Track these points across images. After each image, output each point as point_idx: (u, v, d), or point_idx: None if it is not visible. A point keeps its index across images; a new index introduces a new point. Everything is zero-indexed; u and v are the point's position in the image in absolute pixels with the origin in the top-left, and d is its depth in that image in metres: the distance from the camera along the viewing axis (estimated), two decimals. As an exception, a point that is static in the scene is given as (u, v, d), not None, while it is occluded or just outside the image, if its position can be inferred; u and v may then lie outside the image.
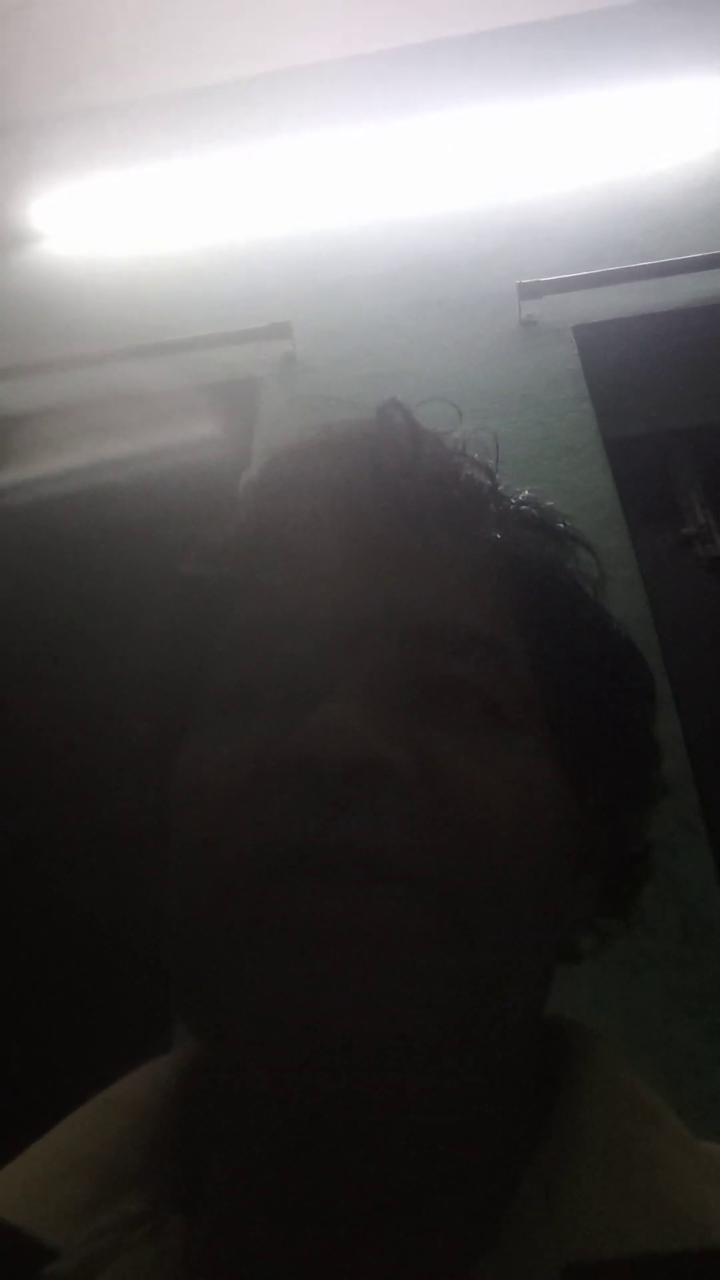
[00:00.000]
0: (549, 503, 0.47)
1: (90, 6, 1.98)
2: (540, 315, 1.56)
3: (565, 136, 1.88)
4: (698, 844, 0.95)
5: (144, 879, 0.40)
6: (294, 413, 1.50)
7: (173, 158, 2.01)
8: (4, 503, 1.61)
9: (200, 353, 1.62)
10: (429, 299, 1.65)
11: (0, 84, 2.09)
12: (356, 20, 1.99)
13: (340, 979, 0.29)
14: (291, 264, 1.82)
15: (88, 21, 2.00)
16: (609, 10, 1.96)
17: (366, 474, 0.41)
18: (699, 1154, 0.35)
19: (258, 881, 0.31)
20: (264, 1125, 0.33)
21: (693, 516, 1.46)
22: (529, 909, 0.34)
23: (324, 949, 0.30)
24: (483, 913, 0.32)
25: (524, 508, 0.45)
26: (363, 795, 0.31)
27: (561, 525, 0.45)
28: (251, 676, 0.37)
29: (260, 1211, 0.33)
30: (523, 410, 1.41)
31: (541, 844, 0.35)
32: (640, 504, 1.38)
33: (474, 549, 0.41)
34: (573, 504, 1.26)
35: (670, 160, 1.79)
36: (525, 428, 1.39)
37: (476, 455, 0.44)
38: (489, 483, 0.44)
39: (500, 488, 0.44)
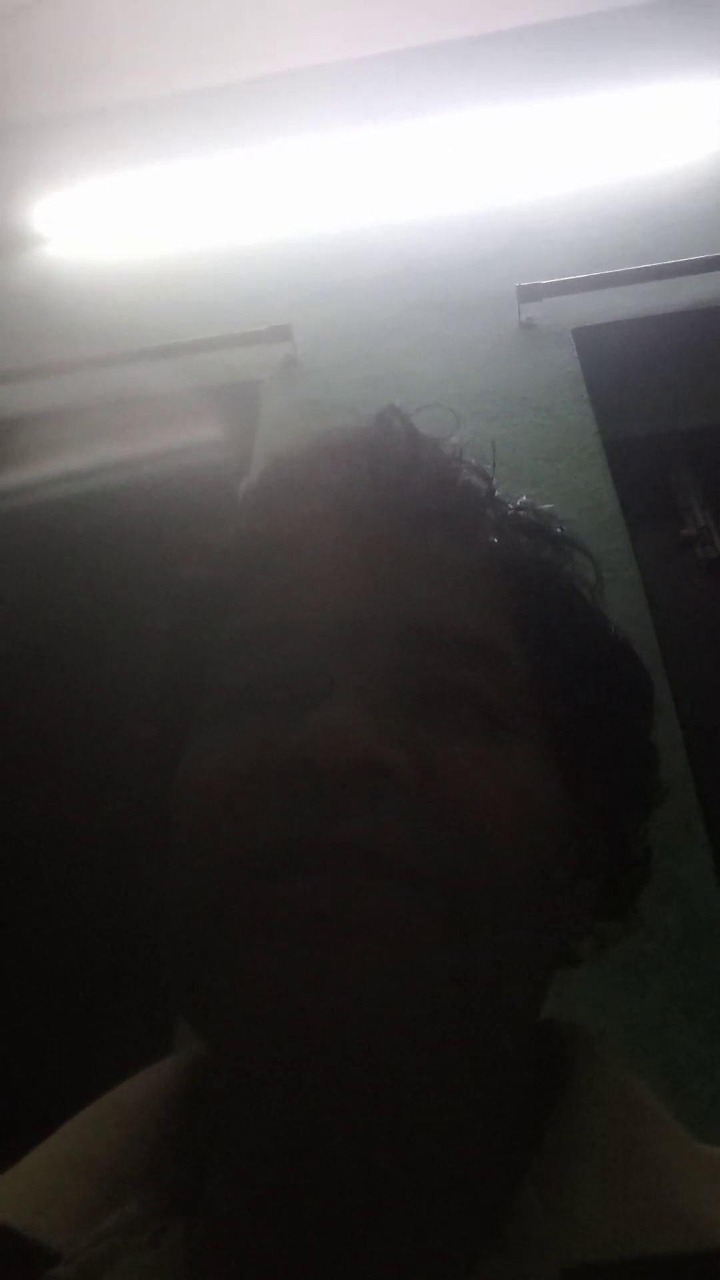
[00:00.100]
0: (547, 507, 0.47)
1: (91, 9, 1.99)
2: (540, 318, 1.56)
3: (564, 139, 1.88)
4: (697, 846, 0.95)
5: (145, 881, 0.40)
6: (294, 415, 1.50)
7: (173, 161, 2.01)
8: (5, 505, 1.61)
9: (201, 355, 1.62)
10: (429, 302, 1.65)
11: (1, 86, 2.09)
12: (357, 23, 1.99)
13: (338, 973, 0.30)
14: (292, 267, 1.82)
15: (89, 24, 2.00)
16: (608, 13, 1.96)
17: (365, 479, 0.42)
18: (698, 1156, 0.35)
19: (257, 878, 0.32)
20: (264, 1123, 0.33)
21: (692, 518, 1.46)
22: (526, 909, 0.34)
23: (322, 944, 0.30)
24: (480, 911, 0.32)
25: (521, 513, 0.45)
26: (360, 795, 0.32)
27: (559, 530, 0.46)
28: (252, 678, 0.38)
29: (260, 1213, 0.34)
30: (522, 412, 1.41)
31: (538, 845, 0.35)
32: (640, 506, 1.38)
33: (472, 553, 0.41)
34: (572, 506, 1.26)
35: (669, 163, 1.79)
36: (525, 430, 1.39)
37: (474, 461, 0.45)
38: (486, 488, 0.44)
39: (497, 493, 0.45)
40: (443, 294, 1.66)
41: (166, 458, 1.56)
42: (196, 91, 2.08)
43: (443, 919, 0.31)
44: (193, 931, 0.34)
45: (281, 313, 1.64)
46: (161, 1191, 0.36)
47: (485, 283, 1.65)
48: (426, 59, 2.00)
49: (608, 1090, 0.36)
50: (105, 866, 1.15)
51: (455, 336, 1.58)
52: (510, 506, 0.45)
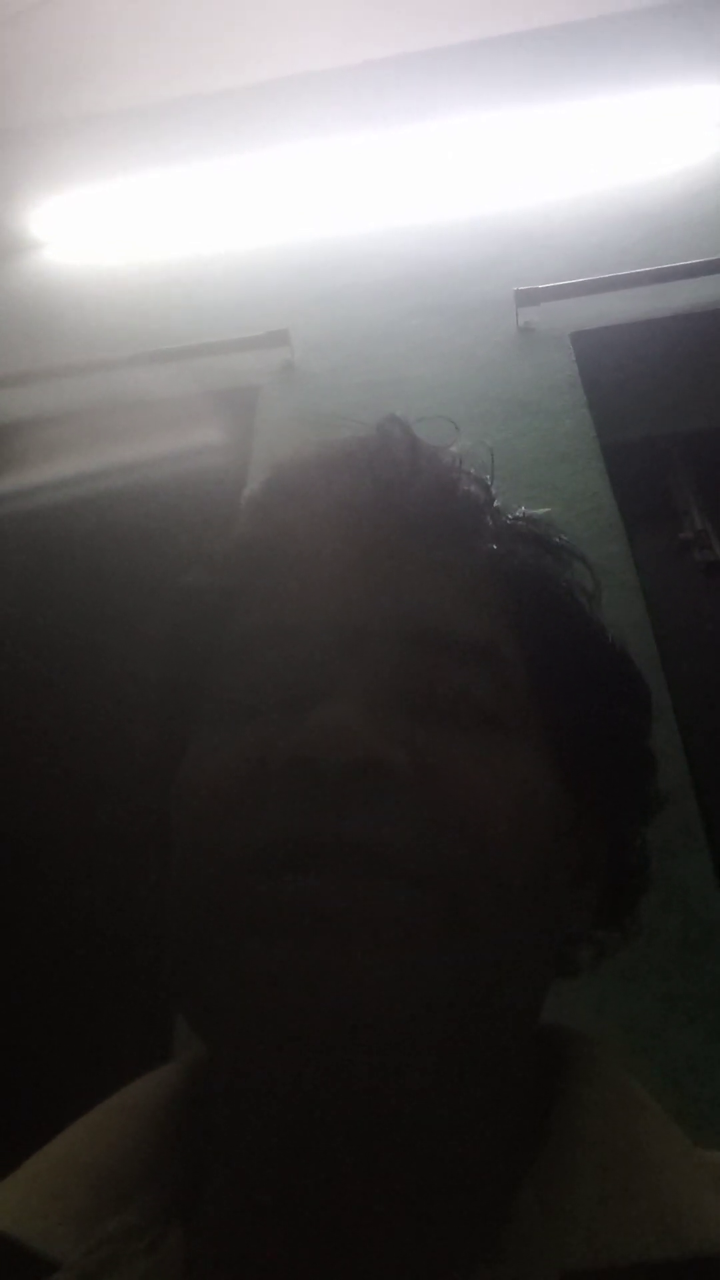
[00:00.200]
0: (545, 513, 0.47)
1: (90, 14, 1.99)
2: (538, 322, 1.56)
3: (563, 144, 1.89)
4: (697, 849, 0.95)
5: (146, 883, 0.40)
6: (292, 420, 1.50)
7: (172, 166, 2.02)
8: (3, 509, 1.61)
9: (199, 360, 1.63)
10: (427, 306, 1.66)
11: (0, 90, 2.10)
12: (355, 28, 1.99)
13: (337, 971, 0.30)
14: (290, 271, 1.82)
15: (88, 29, 2.00)
16: (606, 19, 1.96)
17: (366, 486, 0.42)
18: (698, 1160, 0.35)
19: (257, 875, 0.32)
20: (263, 1124, 0.33)
21: (690, 522, 1.46)
22: (525, 909, 0.34)
23: (322, 942, 0.30)
24: (479, 911, 0.32)
25: (521, 522, 0.46)
26: (361, 794, 0.32)
27: (558, 539, 0.46)
28: (253, 681, 0.38)
29: (258, 1218, 0.34)
30: (520, 417, 1.42)
31: (537, 846, 0.35)
32: (638, 509, 1.38)
33: (471, 559, 0.42)
34: (570, 509, 1.26)
35: (667, 167, 1.79)
36: (523, 434, 1.39)
37: (473, 470, 0.45)
38: (486, 497, 0.45)
39: (496, 502, 0.45)
40: (441, 299, 1.66)
41: (164, 462, 1.56)
42: (195, 96, 2.08)
43: (442, 918, 0.32)
44: (193, 931, 0.34)
45: (279, 318, 1.65)
46: (160, 1198, 0.36)
47: (483, 287, 1.65)
48: (424, 64, 2.01)
49: (607, 1094, 0.36)
50: (106, 870, 1.15)
51: (453, 341, 1.58)
52: (509, 516, 0.46)
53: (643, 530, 1.38)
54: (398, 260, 1.77)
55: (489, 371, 1.51)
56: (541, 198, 1.81)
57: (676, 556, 1.43)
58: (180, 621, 0.45)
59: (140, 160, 2.03)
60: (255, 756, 0.35)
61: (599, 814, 0.42)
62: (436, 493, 0.43)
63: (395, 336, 1.62)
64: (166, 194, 2.02)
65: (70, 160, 2.05)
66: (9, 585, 1.60)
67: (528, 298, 1.54)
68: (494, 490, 0.45)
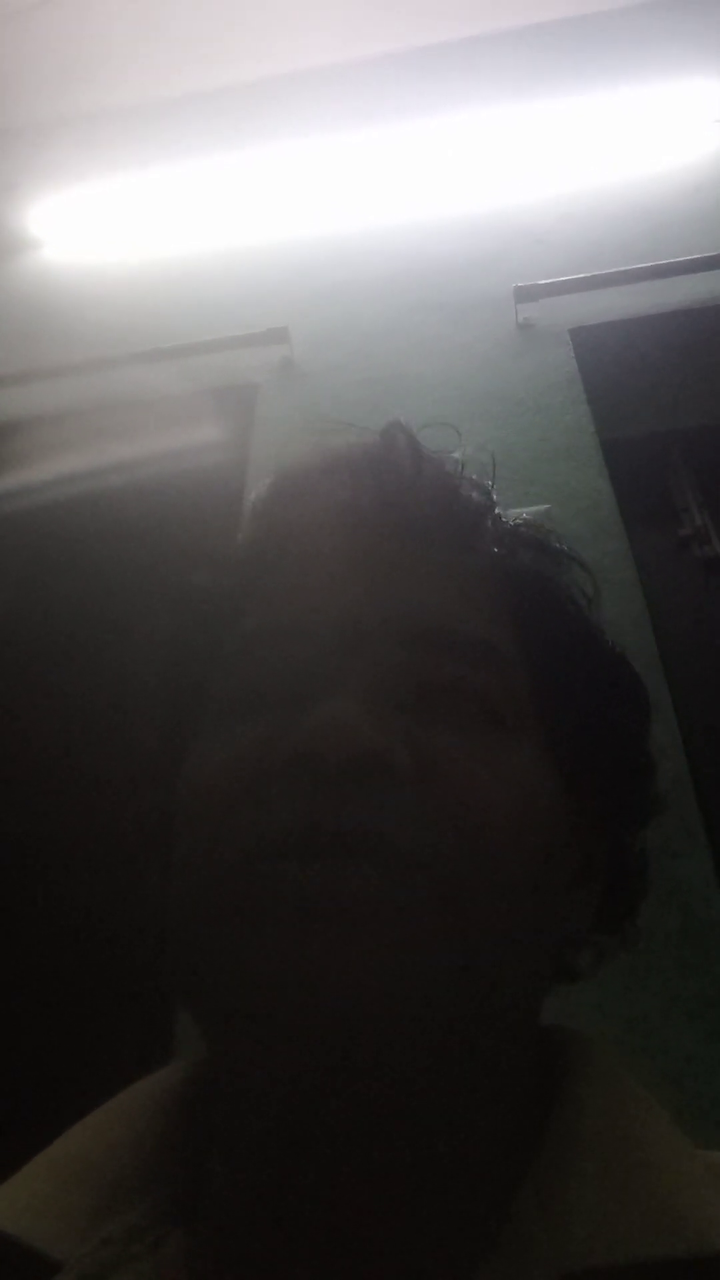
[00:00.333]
0: (545, 510, 0.48)
1: (89, 12, 1.98)
2: (537, 318, 1.56)
3: (561, 140, 1.88)
4: (697, 847, 0.95)
5: (148, 885, 0.41)
6: (292, 418, 1.50)
7: (170, 163, 2.01)
8: (2, 508, 1.61)
9: (198, 358, 1.62)
10: (426, 303, 1.65)
11: (-2, 89, 2.09)
12: (353, 25, 1.99)
13: (336, 959, 0.30)
14: (288, 269, 1.82)
15: (86, 27, 2.00)
16: (604, 14, 1.96)
17: (370, 491, 0.43)
18: (697, 1161, 0.35)
19: (260, 865, 0.32)
20: (264, 1119, 0.33)
21: (689, 518, 1.46)
22: (523, 903, 0.34)
23: (322, 930, 0.31)
24: (477, 903, 0.32)
25: (522, 527, 0.46)
26: (362, 787, 0.32)
27: (558, 544, 0.47)
28: (257, 679, 0.39)
29: (259, 1219, 0.34)
30: (520, 413, 1.42)
31: (535, 841, 0.35)
32: (637, 506, 1.38)
33: (472, 561, 0.43)
34: (570, 506, 1.26)
35: (665, 163, 1.79)
36: (522, 431, 1.39)
37: (475, 476, 0.46)
38: (487, 502, 0.45)
39: (498, 508, 0.46)
40: (440, 295, 1.66)
41: (163, 460, 1.56)
42: (193, 94, 2.08)
43: (440, 910, 0.32)
44: (197, 922, 0.34)
45: (278, 315, 1.64)
46: (161, 1199, 0.36)
47: (482, 283, 1.65)
48: (422, 60, 2.00)
49: (607, 1094, 0.37)
50: (107, 871, 1.15)
51: (453, 337, 1.58)
52: (511, 521, 0.46)
53: (642, 526, 1.37)
54: (397, 257, 1.77)
55: (488, 368, 1.51)
56: (541, 194, 1.81)
57: (676, 553, 1.43)
58: (184, 623, 0.46)
59: (139, 158, 2.03)
60: (258, 752, 0.35)
61: (598, 816, 0.42)
62: (439, 497, 0.43)
63: (394, 333, 1.61)
64: (165, 192, 2.02)
65: (69, 158, 2.05)
66: (9, 583, 1.60)
67: (527, 294, 1.54)
68: (495, 496, 0.46)
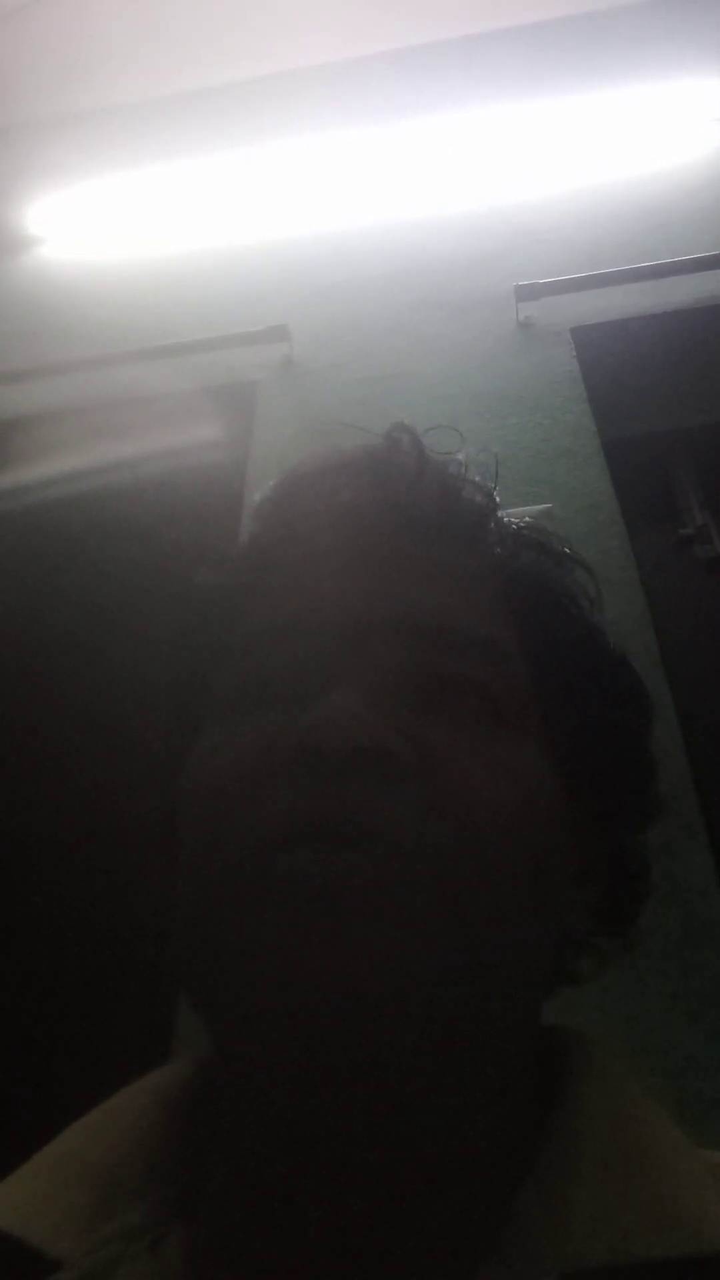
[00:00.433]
0: (546, 509, 0.48)
1: (88, 10, 1.98)
2: (538, 317, 1.56)
3: (562, 138, 1.88)
4: (698, 846, 0.95)
5: (150, 881, 0.41)
6: (292, 416, 1.50)
7: (170, 161, 2.01)
8: (2, 506, 1.61)
9: (198, 356, 1.62)
10: (427, 301, 1.65)
11: (-3, 88, 2.09)
12: (353, 23, 1.99)
13: (338, 947, 0.30)
14: (289, 267, 1.82)
15: (85, 25, 1.99)
16: (606, 12, 1.95)
17: (374, 491, 0.43)
18: (699, 1160, 0.35)
19: (262, 857, 0.33)
20: (265, 1115, 0.33)
21: (691, 517, 1.46)
22: (520, 898, 0.34)
23: (323, 918, 0.31)
24: (473, 895, 0.33)
25: (524, 529, 0.47)
26: (363, 779, 0.33)
27: (560, 546, 0.47)
28: (259, 676, 0.39)
29: (260, 1218, 0.34)
30: (520, 412, 1.41)
31: (532, 837, 0.35)
32: (638, 505, 1.38)
33: (475, 561, 0.43)
34: (571, 505, 1.26)
35: (667, 161, 1.79)
36: (523, 429, 1.39)
37: (478, 478, 0.46)
38: (490, 503, 0.46)
39: (500, 510, 0.46)
40: (440, 293, 1.66)
41: (164, 458, 1.57)
42: (193, 92, 2.08)
43: (439, 904, 0.32)
44: (199, 915, 0.35)
45: (279, 313, 1.64)
46: (162, 1197, 0.36)
47: (483, 282, 1.65)
48: (423, 58, 2.00)
49: (607, 1095, 0.37)
50: (107, 870, 1.15)
51: (453, 336, 1.58)
52: (514, 523, 0.47)
53: (643, 526, 1.37)
54: (397, 255, 1.77)
55: (489, 367, 1.51)
56: (541, 192, 1.81)
57: (677, 552, 1.43)
58: (187, 620, 0.46)
59: (138, 156, 2.03)
60: (261, 747, 0.35)
61: (598, 817, 0.42)
62: (442, 498, 0.44)
63: (395, 331, 1.61)
64: (165, 189, 2.02)
65: (68, 156, 2.05)
66: (8, 581, 1.60)
67: (528, 292, 1.54)
68: (498, 498, 0.46)
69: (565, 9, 1.97)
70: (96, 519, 1.60)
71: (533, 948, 0.36)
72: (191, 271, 1.88)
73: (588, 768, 0.41)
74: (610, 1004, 0.83)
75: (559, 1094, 0.37)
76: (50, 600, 1.57)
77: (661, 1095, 0.38)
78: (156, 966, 1.07)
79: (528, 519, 0.48)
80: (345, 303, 1.70)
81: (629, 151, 1.82)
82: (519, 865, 0.34)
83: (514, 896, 0.34)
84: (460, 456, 0.47)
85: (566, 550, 0.47)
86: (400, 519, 0.43)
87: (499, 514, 0.46)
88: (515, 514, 0.47)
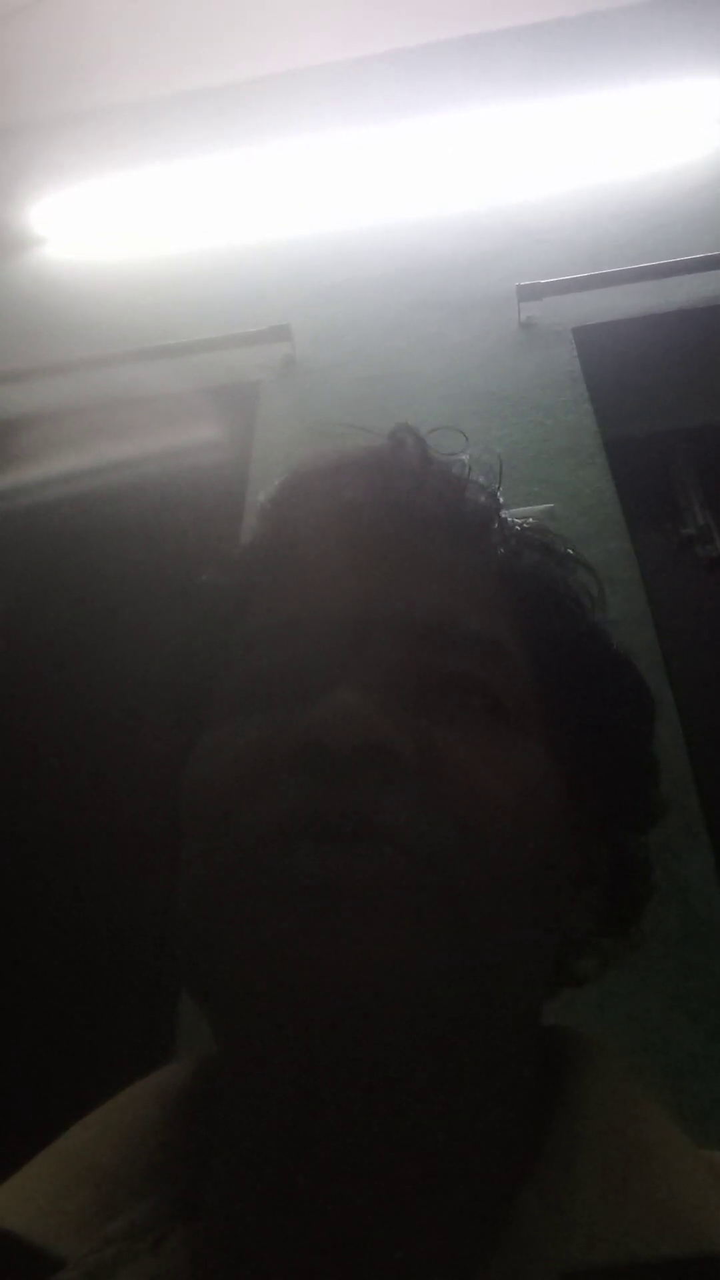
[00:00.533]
0: (548, 509, 0.48)
1: (89, 10, 1.98)
2: (540, 317, 1.56)
3: (564, 138, 1.88)
4: (699, 846, 0.95)
5: (152, 881, 0.41)
6: (294, 416, 1.50)
7: (172, 161, 2.01)
8: (4, 505, 1.61)
9: (200, 356, 1.62)
10: (428, 301, 1.65)
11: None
12: (355, 23, 1.99)
13: (341, 942, 0.30)
14: (291, 266, 1.82)
15: (87, 25, 2.00)
16: (607, 13, 1.96)
17: (377, 491, 0.43)
18: (699, 1160, 0.35)
19: (264, 854, 0.33)
20: (267, 1113, 0.33)
21: (692, 517, 1.46)
22: (521, 897, 0.34)
23: (327, 913, 0.31)
24: (474, 892, 0.33)
25: (527, 530, 0.47)
26: (367, 776, 0.33)
27: (563, 547, 0.47)
28: (262, 675, 0.39)
29: (261, 1217, 0.34)
30: (522, 412, 1.41)
31: (534, 835, 0.36)
32: (640, 505, 1.38)
33: (478, 561, 0.43)
34: (573, 505, 1.26)
35: (668, 162, 1.79)
36: (525, 429, 1.39)
37: (482, 479, 0.46)
38: (494, 504, 0.46)
39: (504, 511, 0.46)
40: (442, 293, 1.66)
41: (165, 458, 1.57)
42: (194, 91, 2.08)
43: (441, 901, 0.32)
44: (202, 912, 0.35)
45: (281, 313, 1.64)
46: (164, 1197, 0.36)
47: (485, 282, 1.65)
48: (425, 58, 2.00)
49: (608, 1095, 0.37)
50: (110, 869, 1.15)
51: (455, 336, 1.58)
52: (517, 524, 0.47)
53: (645, 526, 1.37)
54: (399, 255, 1.76)
55: (491, 367, 1.51)
56: (543, 192, 1.81)
57: (678, 552, 1.43)
58: (191, 620, 0.46)
59: (141, 155, 2.03)
60: (264, 744, 0.36)
61: (600, 818, 0.42)
62: (445, 499, 0.44)
63: (397, 331, 1.61)
64: (167, 189, 2.02)
65: (70, 156, 2.05)
66: (10, 581, 1.60)
67: (529, 292, 1.54)
68: (502, 499, 0.46)
69: (565, 9, 1.97)
70: (98, 519, 1.60)
71: (534, 947, 0.36)
72: (193, 271, 1.88)
73: (590, 768, 0.41)
74: (611, 1004, 0.83)
75: (560, 1094, 0.37)
76: (52, 600, 1.57)
77: (662, 1095, 0.38)
78: (159, 965, 1.07)
79: (531, 519, 0.48)
80: (347, 303, 1.70)
81: (629, 151, 1.82)
82: (521, 865, 0.34)
83: (515, 896, 0.34)
84: (464, 457, 0.47)
85: (569, 551, 0.47)
86: (403, 519, 0.43)
87: (502, 514, 0.46)
88: (517, 514, 0.47)
